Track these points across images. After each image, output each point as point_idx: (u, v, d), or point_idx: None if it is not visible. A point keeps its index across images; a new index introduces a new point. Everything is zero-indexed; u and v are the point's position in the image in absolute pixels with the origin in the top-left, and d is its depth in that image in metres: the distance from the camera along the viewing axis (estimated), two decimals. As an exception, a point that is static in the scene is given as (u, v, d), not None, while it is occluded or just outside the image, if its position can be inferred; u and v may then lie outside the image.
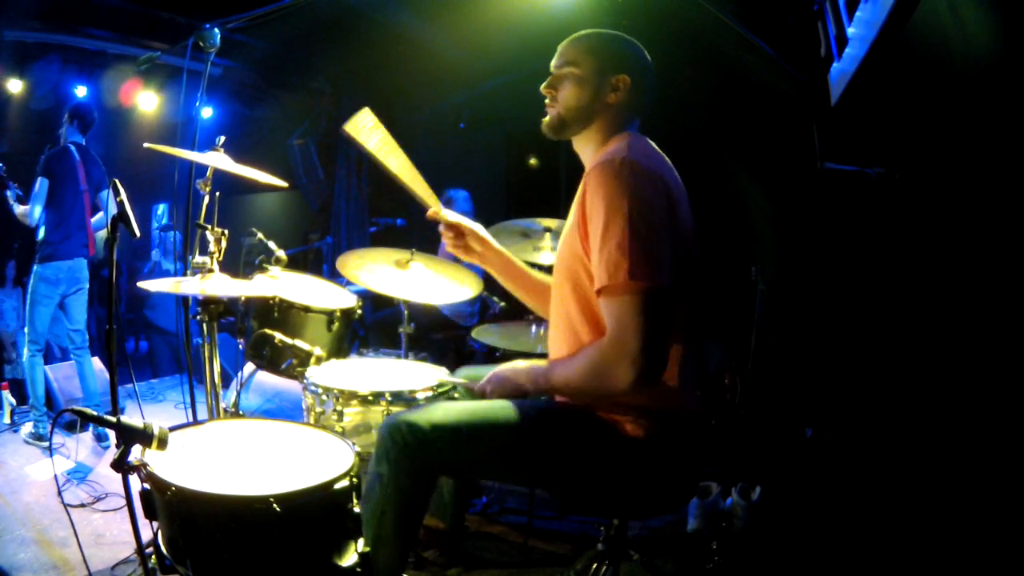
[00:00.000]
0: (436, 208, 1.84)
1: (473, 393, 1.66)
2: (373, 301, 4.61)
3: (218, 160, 2.07)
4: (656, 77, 1.63)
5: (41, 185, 3.65)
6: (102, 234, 5.86)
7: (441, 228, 1.88)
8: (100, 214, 3.94)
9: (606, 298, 1.38)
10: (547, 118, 1.63)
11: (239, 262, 2.70)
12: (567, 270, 1.56)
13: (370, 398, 1.86)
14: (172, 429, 1.33)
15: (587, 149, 1.64)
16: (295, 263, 4.70)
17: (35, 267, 3.72)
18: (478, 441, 1.48)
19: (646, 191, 1.40)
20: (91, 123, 3.88)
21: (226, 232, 2.04)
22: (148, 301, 6.47)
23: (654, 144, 1.59)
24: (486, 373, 1.91)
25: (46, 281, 3.69)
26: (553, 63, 1.64)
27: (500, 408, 1.53)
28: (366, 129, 1.78)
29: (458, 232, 1.87)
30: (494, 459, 1.53)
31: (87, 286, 3.88)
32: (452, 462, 1.49)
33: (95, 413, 1.28)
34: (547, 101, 1.63)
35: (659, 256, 1.37)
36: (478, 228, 1.89)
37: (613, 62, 1.57)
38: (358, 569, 1.34)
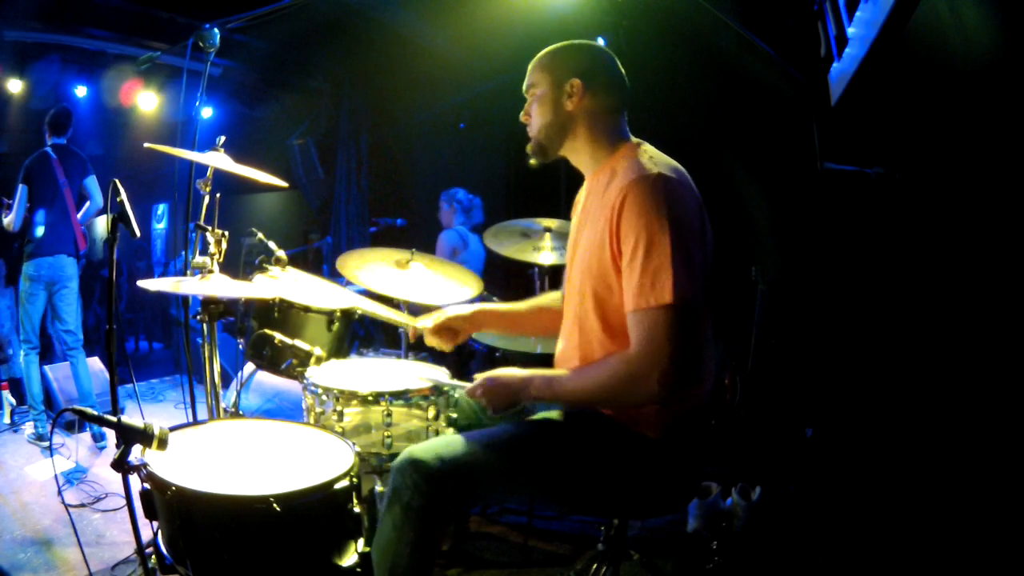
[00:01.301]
0: (414, 327, 1.93)
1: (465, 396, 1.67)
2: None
3: (218, 160, 2.07)
4: (619, 70, 1.63)
5: (21, 192, 3.72)
6: (101, 228, 5.87)
7: (429, 338, 1.93)
8: (88, 203, 3.95)
9: (640, 312, 1.38)
10: (528, 145, 1.67)
11: (239, 262, 2.70)
12: (592, 280, 1.54)
13: (370, 398, 1.86)
14: (172, 429, 1.33)
15: (581, 159, 1.66)
16: (295, 263, 4.70)
17: (23, 266, 3.76)
18: (490, 471, 1.47)
19: (683, 209, 1.42)
20: (67, 125, 3.91)
21: (226, 233, 2.04)
22: (179, 300, 6.47)
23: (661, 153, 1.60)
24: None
25: (30, 279, 3.74)
26: (523, 88, 1.68)
27: (508, 433, 1.52)
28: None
29: (442, 330, 1.90)
30: (507, 484, 1.52)
31: (73, 285, 3.87)
32: (464, 493, 1.48)
33: (96, 413, 1.28)
34: (528, 129, 1.67)
35: (696, 273, 1.38)
36: (451, 311, 1.92)
37: (564, 70, 1.60)
38: (358, 569, 1.34)
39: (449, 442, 1.51)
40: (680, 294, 1.35)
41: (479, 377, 1.57)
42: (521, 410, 1.75)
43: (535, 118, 1.64)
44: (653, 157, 1.52)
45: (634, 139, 1.62)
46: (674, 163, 1.53)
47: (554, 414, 1.58)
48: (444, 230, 4.40)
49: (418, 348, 2.10)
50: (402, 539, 1.43)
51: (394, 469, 1.47)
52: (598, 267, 1.51)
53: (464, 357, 3.83)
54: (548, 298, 1.93)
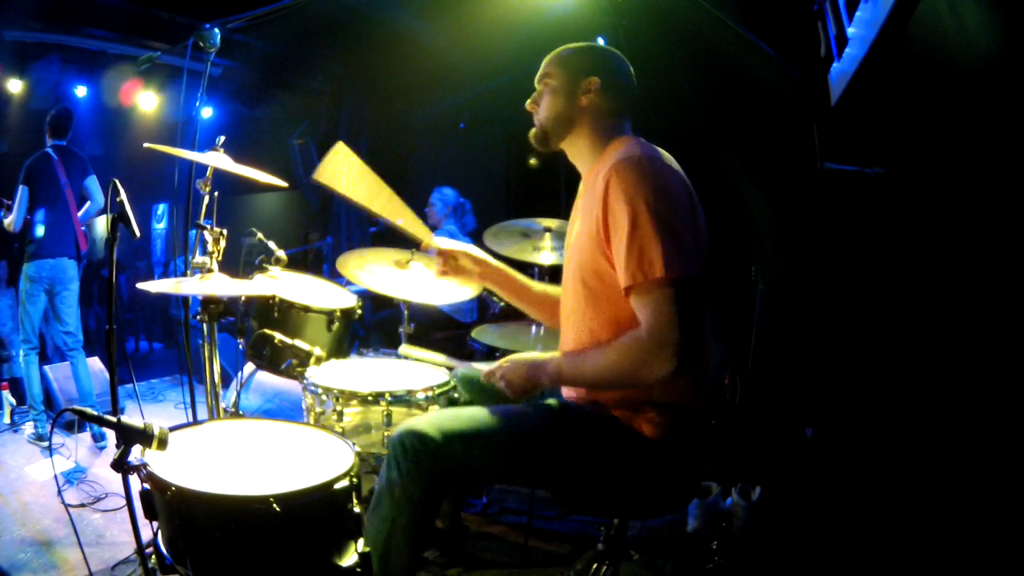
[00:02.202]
0: (428, 240, 1.87)
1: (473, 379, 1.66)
2: (373, 301, 4.62)
3: (218, 160, 2.07)
4: (633, 78, 1.66)
5: (22, 193, 3.71)
6: (101, 228, 5.86)
7: (434, 256, 1.89)
8: (88, 203, 3.95)
9: (640, 293, 1.39)
10: (532, 131, 1.70)
11: (239, 262, 2.70)
12: (583, 272, 1.56)
13: (370, 398, 1.86)
14: (172, 429, 1.32)
15: (580, 156, 1.68)
16: (295, 263, 4.70)
17: (23, 267, 3.75)
18: (489, 448, 1.48)
19: (668, 186, 1.44)
20: (68, 127, 3.90)
21: (225, 232, 2.04)
22: (179, 300, 6.46)
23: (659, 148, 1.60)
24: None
25: (31, 279, 3.73)
26: (536, 79, 1.70)
27: (510, 413, 1.53)
28: (339, 169, 1.76)
29: (449, 257, 1.88)
30: (504, 465, 1.53)
31: (74, 286, 3.87)
32: (463, 469, 1.49)
33: (96, 413, 1.28)
34: (534, 117, 1.70)
35: (687, 248, 1.39)
36: (471, 248, 1.91)
37: (583, 67, 1.63)
38: (358, 569, 1.34)
39: (452, 416, 1.52)
40: (670, 266, 1.36)
41: (499, 362, 1.59)
42: (539, 395, 1.76)
43: (544, 108, 1.66)
44: (639, 144, 1.54)
45: (627, 135, 1.63)
46: (663, 152, 1.55)
47: (564, 403, 1.59)
48: (436, 230, 4.40)
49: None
50: (398, 508, 1.44)
51: (393, 441, 1.47)
52: (590, 259, 1.53)
53: (463, 357, 3.83)
54: (556, 289, 1.95)
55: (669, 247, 1.36)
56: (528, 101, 1.70)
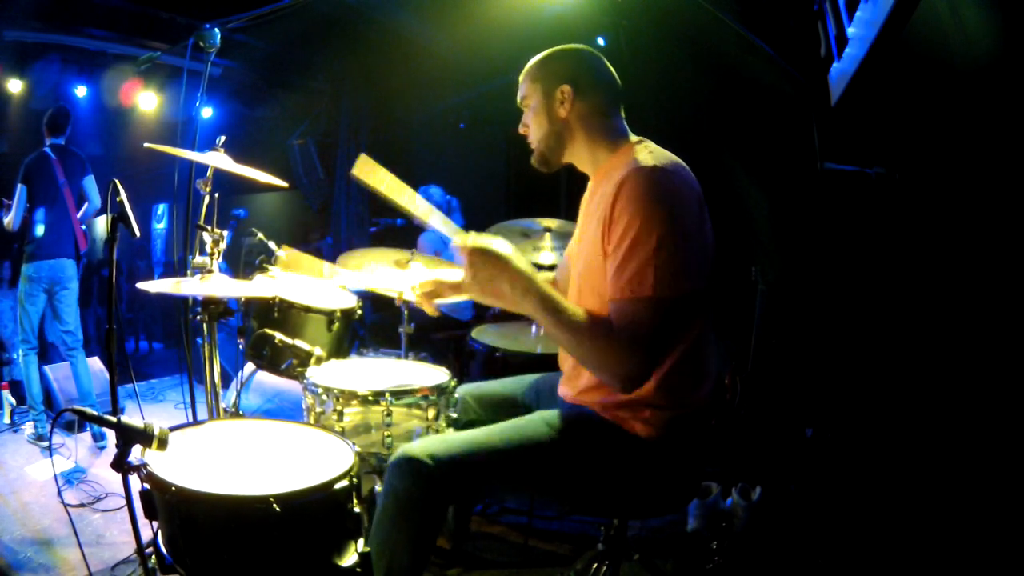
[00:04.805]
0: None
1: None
2: (373, 301, 4.62)
3: (218, 160, 2.07)
4: (607, 69, 1.64)
5: (20, 192, 3.72)
6: (101, 228, 5.85)
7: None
8: (86, 204, 3.95)
9: (623, 304, 1.37)
10: (532, 157, 1.68)
11: (239, 262, 2.70)
12: (589, 275, 1.55)
13: (370, 398, 1.86)
14: (172, 429, 1.32)
15: (584, 163, 1.66)
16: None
17: (22, 267, 3.76)
18: (483, 468, 1.48)
19: (677, 201, 1.41)
20: (65, 125, 3.90)
21: (224, 232, 2.04)
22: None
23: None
24: (490, 388, 1.92)
25: (29, 280, 3.74)
26: (517, 101, 1.68)
27: (502, 431, 1.53)
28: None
29: (432, 295, 1.84)
30: (501, 482, 1.54)
31: (73, 286, 3.87)
32: (459, 491, 1.50)
33: (95, 413, 1.28)
34: (528, 141, 1.67)
35: (686, 267, 1.37)
36: (442, 274, 1.86)
37: (552, 78, 1.60)
38: (358, 569, 1.34)
39: (445, 440, 1.52)
40: (660, 289, 1.34)
41: (486, 239, 1.47)
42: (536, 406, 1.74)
43: (533, 130, 1.65)
44: (652, 152, 1.52)
45: (634, 137, 1.62)
46: (673, 157, 1.52)
47: (552, 413, 1.59)
48: (424, 231, 4.38)
49: (418, 348, 2.10)
50: (399, 535, 1.45)
51: (389, 466, 1.48)
52: (596, 266, 1.51)
53: (464, 357, 3.84)
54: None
55: (665, 269, 1.34)
56: (520, 126, 1.67)
